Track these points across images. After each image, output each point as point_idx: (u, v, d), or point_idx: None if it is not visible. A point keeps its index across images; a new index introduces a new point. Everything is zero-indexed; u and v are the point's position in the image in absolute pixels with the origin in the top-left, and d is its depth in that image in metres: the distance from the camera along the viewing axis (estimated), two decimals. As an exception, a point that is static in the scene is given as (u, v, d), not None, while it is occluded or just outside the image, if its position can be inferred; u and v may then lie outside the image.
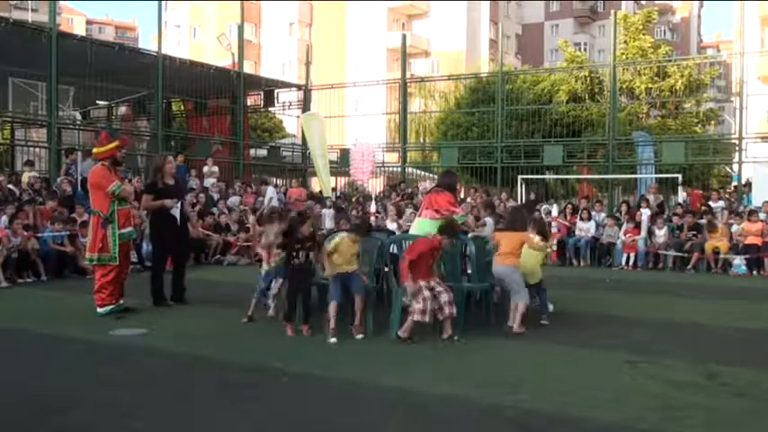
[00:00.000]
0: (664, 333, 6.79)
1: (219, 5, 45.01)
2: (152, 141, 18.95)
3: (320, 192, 19.32)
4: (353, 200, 18.71)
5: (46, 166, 16.33)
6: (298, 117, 23.88)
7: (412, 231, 7.48)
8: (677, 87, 24.81)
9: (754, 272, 12.52)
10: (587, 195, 17.46)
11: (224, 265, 13.09)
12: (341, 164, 21.00)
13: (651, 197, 15.33)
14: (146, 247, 11.46)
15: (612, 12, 22.35)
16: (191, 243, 9.80)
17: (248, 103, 23.20)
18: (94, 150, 7.79)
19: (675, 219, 14.12)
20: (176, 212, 7.89)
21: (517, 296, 6.54)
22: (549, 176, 20.46)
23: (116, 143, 7.59)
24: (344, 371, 5.13)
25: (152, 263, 8.57)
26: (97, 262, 7.36)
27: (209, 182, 17.08)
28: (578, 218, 14.61)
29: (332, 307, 6.27)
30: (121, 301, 7.44)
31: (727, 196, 17.45)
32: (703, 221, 13.56)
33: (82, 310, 7.47)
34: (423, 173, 23.44)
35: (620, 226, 13.92)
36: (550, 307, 7.37)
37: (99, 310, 7.27)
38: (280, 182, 22.77)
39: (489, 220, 8.09)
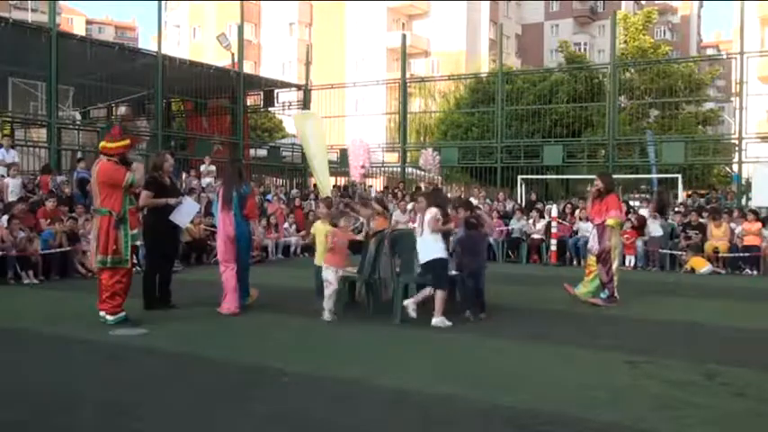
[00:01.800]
0: (664, 333, 6.80)
1: (219, 5, 45.01)
2: (152, 141, 18.95)
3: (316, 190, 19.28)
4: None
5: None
6: (297, 117, 23.87)
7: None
8: (677, 87, 24.81)
9: (755, 272, 12.51)
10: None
11: (224, 265, 13.05)
12: (341, 164, 21.00)
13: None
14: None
15: (612, 12, 22.36)
16: (191, 243, 9.80)
17: (248, 103, 23.21)
18: (105, 144, 6.95)
19: (677, 219, 14.11)
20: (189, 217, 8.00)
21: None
22: (549, 176, 20.47)
23: (128, 141, 7.11)
24: (344, 371, 5.13)
25: (145, 263, 8.34)
26: (110, 265, 6.78)
27: (206, 181, 17.09)
28: (579, 218, 14.58)
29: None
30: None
31: (718, 196, 17.46)
32: (703, 221, 13.56)
33: (82, 310, 7.45)
34: (423, 173, 23.41)
35: (620, 226, 13.88)
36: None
37: (109, 318, 6.77)
38: (280, 182, 22.78)
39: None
